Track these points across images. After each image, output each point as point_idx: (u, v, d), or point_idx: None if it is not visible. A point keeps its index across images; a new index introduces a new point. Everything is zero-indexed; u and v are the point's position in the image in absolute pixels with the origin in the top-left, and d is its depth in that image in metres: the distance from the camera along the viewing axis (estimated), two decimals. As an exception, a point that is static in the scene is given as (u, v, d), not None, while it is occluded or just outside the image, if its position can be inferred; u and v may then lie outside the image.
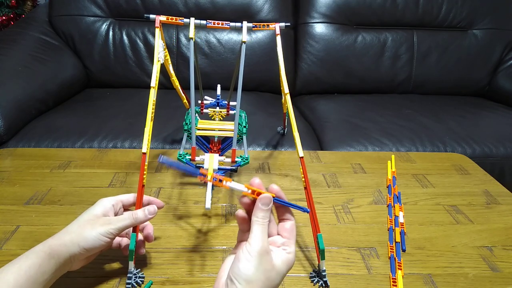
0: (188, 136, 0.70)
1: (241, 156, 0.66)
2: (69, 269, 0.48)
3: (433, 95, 1.61)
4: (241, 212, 0.42)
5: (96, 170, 0.81)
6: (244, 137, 0.72)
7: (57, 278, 0.46)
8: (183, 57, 1.50)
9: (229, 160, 0.63)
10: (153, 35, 1.49)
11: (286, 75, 0.63)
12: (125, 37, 1.49)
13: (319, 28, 1.55)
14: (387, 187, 0.79)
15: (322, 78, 1.58)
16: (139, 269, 0.54)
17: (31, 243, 0.59)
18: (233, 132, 0.69)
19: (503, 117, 1.40)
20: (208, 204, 0.50)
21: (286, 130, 1.10)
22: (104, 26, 1.49)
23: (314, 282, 0.54)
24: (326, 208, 0.71)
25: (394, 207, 0.72)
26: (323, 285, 0.54)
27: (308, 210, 0.47)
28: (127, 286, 0.51)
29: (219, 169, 0.58)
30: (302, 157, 0.56)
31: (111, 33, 1.49)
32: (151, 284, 0.53)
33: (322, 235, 0.55)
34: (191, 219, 0.67)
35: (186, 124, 0.71)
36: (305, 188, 0.56)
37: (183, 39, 1.50)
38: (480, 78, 1.64)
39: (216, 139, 0.73)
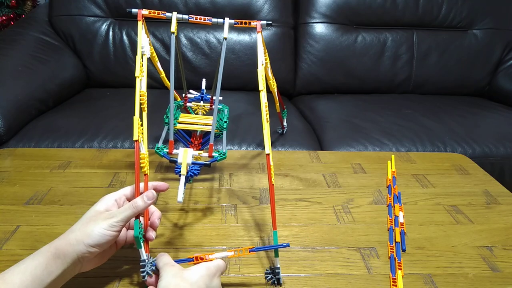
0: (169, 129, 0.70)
1: (218, 151, 0.64)
2: (80, 270, 0.48)
3: (433, 95, 1.61)
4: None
5: (96, 170, 0.81)
6: (224, 132, 0.72)
7: (67, 280, 0.46)
8: (183, 57, 1.50)
9: (206, 154, 0.62)
10: (153, 35, 1.49)
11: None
12: (125, 37, 1.49)
13: (319, 28, 1.55)
14: (387, 187, 0.79)
15: (322, 78, 1.57)
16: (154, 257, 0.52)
17: (31, 243, 0.59)
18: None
19: (503, 117, 1.40)
20: (180, 198, 0.51)
21: (285, 130, 1.10)
22: (104, 26, 1.49)
23: (268, 279, 0.53)
24: (326, 208, 0.71)
25: (394, 207, 0.72)
26: (275, 282, 0.53)
27: (287, 244, 0.52)
28: (142, 274, 0.50)
29: (193, 163, 0.58)
30: (268, 154, 0.55)
31: (111, 33, 1.49)
32: (151, 284, 0.53)
33: (277, 232, 0.54)
34: (190, 218, 0.67)
35: (167, 117, 0.70)
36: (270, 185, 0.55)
37: (183, 39, 1.50)
38: (480, 78, 1.64)
39: (198, 133, 0.72)
